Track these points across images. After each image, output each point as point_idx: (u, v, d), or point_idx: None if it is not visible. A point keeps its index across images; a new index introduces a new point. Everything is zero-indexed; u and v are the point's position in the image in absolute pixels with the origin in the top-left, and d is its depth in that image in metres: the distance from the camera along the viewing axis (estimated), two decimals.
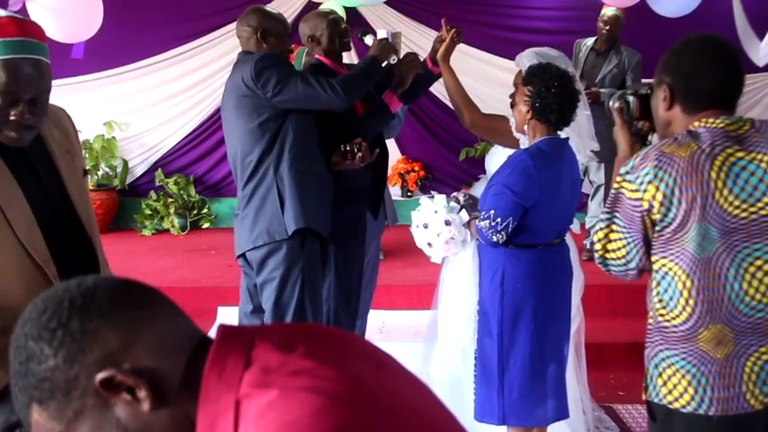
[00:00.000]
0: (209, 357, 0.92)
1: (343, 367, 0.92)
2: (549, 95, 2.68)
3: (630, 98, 2.11)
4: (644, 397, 1.93)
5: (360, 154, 3.14)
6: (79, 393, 0.89)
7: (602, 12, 5.62)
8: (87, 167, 6.26)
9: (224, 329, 0.97)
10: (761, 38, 6.36)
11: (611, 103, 2.16)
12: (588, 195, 5.65)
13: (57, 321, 0.89)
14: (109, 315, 0.91)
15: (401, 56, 3.33)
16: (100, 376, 0.88)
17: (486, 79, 6.48)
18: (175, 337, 0.95)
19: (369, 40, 3.36)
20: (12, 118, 1.68)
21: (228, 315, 4.51)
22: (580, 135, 3.03)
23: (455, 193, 3.02)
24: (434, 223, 2.92)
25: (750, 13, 6.45)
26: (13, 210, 1.70)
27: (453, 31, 3.24)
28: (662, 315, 1.85)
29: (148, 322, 0.93)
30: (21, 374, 0.91)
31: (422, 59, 3.39)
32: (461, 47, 6.45)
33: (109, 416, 0.89)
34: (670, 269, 1.82)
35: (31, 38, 1.68)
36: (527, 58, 3.01)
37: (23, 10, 4.71)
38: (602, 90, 5.28)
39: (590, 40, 5.61)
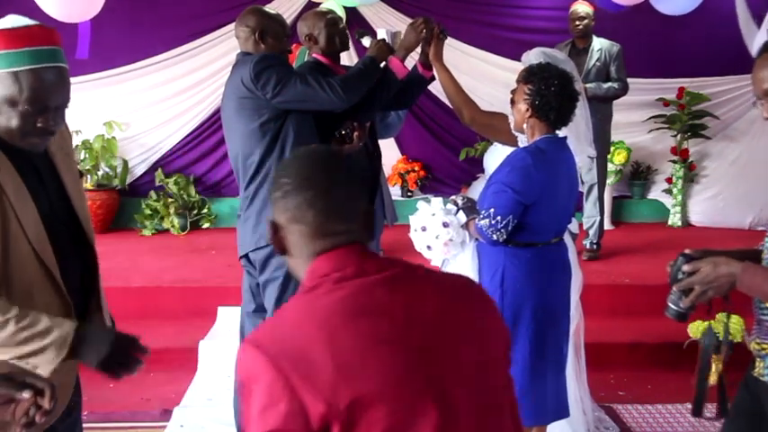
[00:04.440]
0: (322, 259, 1.32)
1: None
2: (549, 94, 2.69)
3: None
4: None
5: (356, 134, 3.15)
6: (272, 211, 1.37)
7: (572, 9, 5.63)
8: (88, 167, 6.33)
9: (359, 248, 1.33)
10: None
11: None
12: (583, 195, 5.65)
13: (287, 186, 1.33)
14: (305, 209, 1.31)
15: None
16: (273, 219, 1.36)
17: (487, 78, 6.49)
18: (323, 244, 1.32)
19: (366, 41, 3.36)
20: (39, 125, 1.69)
21: (229, 315, 4.51)
22: (578, 138, 3.04)
23: (453, 197, 3.03)
24: (432, 226, 2.92)
25: (752, 7, 6.43)
26: (24, 214, 1.71)
27: (436, 29, 3.23)
28: None
29: (324, 238, 1.32)
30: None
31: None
32: (461, 46, 6.55)
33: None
34: None
35: (55, 46, 1.69)
36: (534, 57, 3.03)
37: None
38: (587, 85, 5.30)
39: (568, 42, 5.65)
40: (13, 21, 1.66)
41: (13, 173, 1.71)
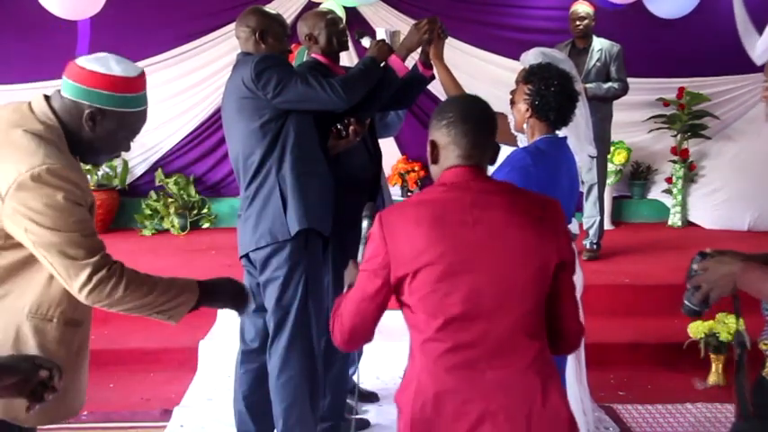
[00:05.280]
0: (454, 170, 1.83)
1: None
2: (549, 94, 2.69)
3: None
4: None
5: (352, 128, 3.15)
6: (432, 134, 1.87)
7: (573, 9, 5.63)
8: (88, 167, 6.32)
9: (477, 170, 1.83)
10: (760, 34, 6.33)
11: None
12: (582, 195, 5.64)
13: (450, 118, 1.83)
14: (461, 136, 1.81)
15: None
16: (432, 139, 1.86)
17: (487, 78, 6.48)
18: (458, 161, 1.82)
19: (366, 42, 3.36)
20: (123, 150, 2.07)
21: (229, 315, 4.51)
22: (578, 138, 3.04)
23: None
24: None
25: (750, 9, 6.43)
26: None
27: (437, 28, 3.22)
28: None
29: (463, 158, 1.82)
30: None
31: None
32: (461, 46, 6.55)
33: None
34: None
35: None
36: (533, 57, 3.03)
37: None
38: (587, 85, 5.30)
39: (568, 42, 5.65)
40: (125, 68, 1.99)
41: None
